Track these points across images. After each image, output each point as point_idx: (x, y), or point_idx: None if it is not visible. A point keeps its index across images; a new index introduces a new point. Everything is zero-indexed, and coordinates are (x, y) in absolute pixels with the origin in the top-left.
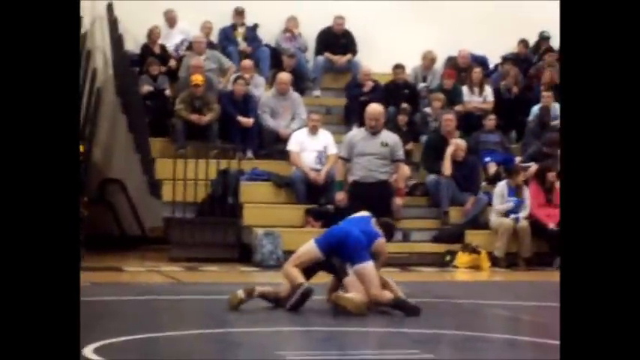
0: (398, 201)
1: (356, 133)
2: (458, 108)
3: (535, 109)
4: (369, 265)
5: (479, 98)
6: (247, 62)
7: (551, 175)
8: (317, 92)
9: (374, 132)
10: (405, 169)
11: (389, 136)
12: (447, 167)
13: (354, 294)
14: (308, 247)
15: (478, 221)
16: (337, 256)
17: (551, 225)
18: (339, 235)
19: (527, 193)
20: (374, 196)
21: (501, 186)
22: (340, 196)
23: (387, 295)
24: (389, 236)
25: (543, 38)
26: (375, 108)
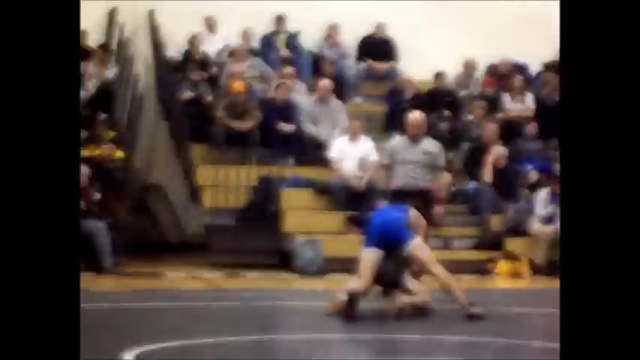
0: (438, 209)
1: (397, 140)
2: (499, 115)
3: None
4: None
5: (520, 106)
6: (288, 69)
7: None
8: (358, 99)
9: (415, 140)
10: (446, 177)
11: (430, 144)
12: (487, 175)
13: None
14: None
15: (519, 229)
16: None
17: None
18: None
19: None
20: (415, 203)
21: (543, 194)
22: (382, 205)
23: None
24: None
25: None
26: (416, 116)
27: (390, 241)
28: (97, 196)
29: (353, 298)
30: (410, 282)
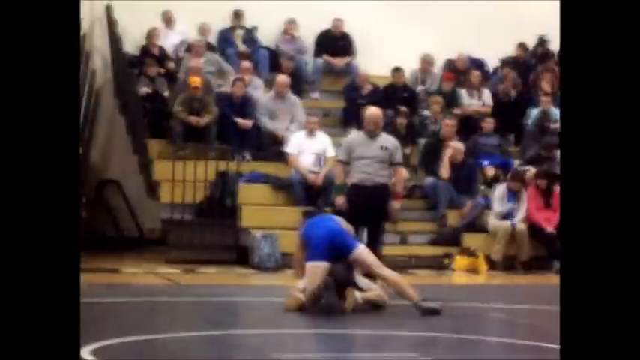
0: (395, 204)
1: (355, 136)
2: (456, 111)
3: (534, 113)
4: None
5: (477, 101)
6: (246, 64)
7: (548, 179)
8: (315, 95)
9: (373, 135)
10: (404, 173)
11: (388, 140)
12: (445, 170)
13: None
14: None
15: (476, 224)
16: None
17: (549, 228)
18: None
19: (525, 196)
20: (372, 199)
21: (500, 189)
22: (340, 200)
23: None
24: None
25: (542, 42)
26: (373, 111)
27: (339, 251)
28: None
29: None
30: (362, 280)
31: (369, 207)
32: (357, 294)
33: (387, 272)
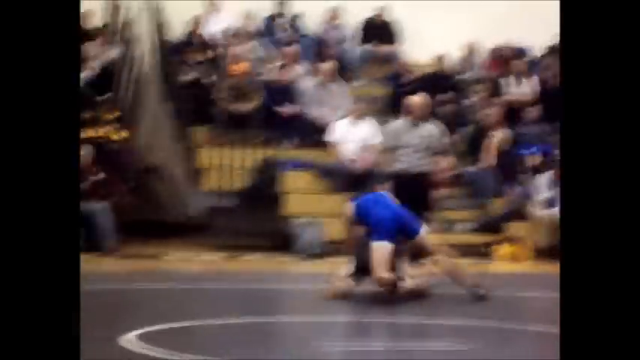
0: (441, 192)
1: (398, 124)
2: (500, 99)
3: None
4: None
5: (521, 89)
6: (291, 49)
7: None
8: (360, 82)
9: (416, 123)
10: (447, 161)
11: (431, 128)
12: (489, 158)
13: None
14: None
15: (519, 212)
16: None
17: None
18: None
19: None
20: (415, 187)
21: (544, 177)
22: (383, 188)
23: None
24: None
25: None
26: (416, 99)
27: (405, 233)
28: (101, 175)
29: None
30: (406, 268)
31: (412, 195)
32: (404, 283)
33: (441, 257)
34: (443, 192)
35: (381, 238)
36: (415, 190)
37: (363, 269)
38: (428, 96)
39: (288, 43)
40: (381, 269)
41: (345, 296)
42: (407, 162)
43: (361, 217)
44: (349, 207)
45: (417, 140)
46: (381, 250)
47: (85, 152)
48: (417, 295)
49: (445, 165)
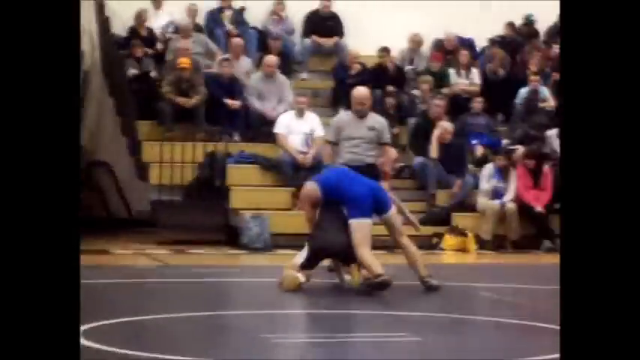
0: (385, 184)
1: (343, 116)
2: (445, 91)
3: (523, 92)
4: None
5: (466, 81)
6: (237, 41)
7: (537, 158)
8: (304, 75)
9: (361, 115)
10: (392, 152)
11: (376, 120)
12: (434, 150)
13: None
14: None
15: (465, 204)
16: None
17: (538, 207)
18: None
19: (514, 175)
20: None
21: (488, 168)
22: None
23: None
24: None
25: (528, 22)
26: (361, 91)
27: (379, 208)
28: None
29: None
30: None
31: None
32: (363, 271)
33: (406, 241)
34: (389, 183)
35: (362, 215)
36: None
37: (316, 257)
38: (369, 89)
39: (233, 36)
40: (364, 248)
41: (298, 287)
42: (353, 154)
43: (331, 195)
44: (313, 187)
45: (362, 132)
46: (363, 227)
47: None
48: (378, 284)
49: (390, 157)
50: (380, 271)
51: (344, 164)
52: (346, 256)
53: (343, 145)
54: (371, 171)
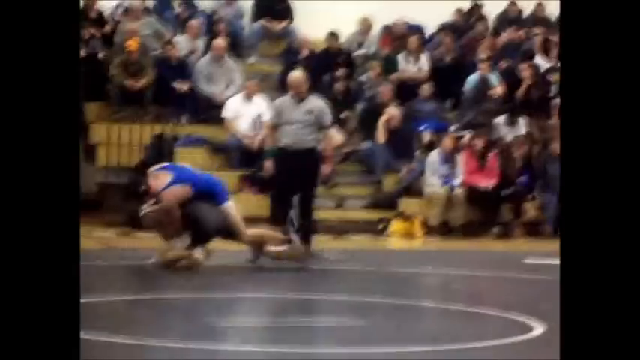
0: (326, 168)
1: (282, 100)
2: (393, 76)
3: (472, 78)
4: None
5: (414, 67)
6: (194, 23)
7: (484, 144)
8: (253, 59)
9: (299, 99)
10: (334, 136)
11: (315, 104)
12: (381, 135)
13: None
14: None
15: (412, 189)
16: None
17: (484, 184)
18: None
19: (460, 161)
20: (301, 164)
21: (435, 154)
22: (267, 165)
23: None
24: None
25: (476, 7)
26: (296, 75)
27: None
28: None
29: None
30: None
31: (298, 172)
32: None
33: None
34: (330, 168)
35: (225, 198)
36: (300, 167)
37: (200, 238)
38: (319, 72)
39: (185, 18)
40: (243, 227)
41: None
42: (292, 138)
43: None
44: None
45: (300, 116)
46: (234, 209)
47: None
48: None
49: (331, 140)
50: None
51: (283, 149)
52: None
53: (282, 129)
54: (311, 155)
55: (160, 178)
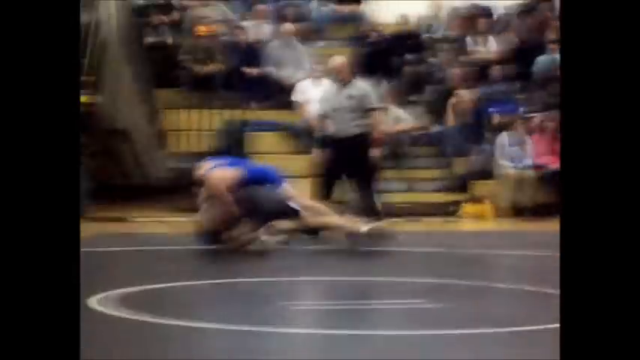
0: (375, 152)
1: (327, 87)
2: (464, 59)
3: (541, 60)
4: None
5: (484, 49)
6: (262, 7)
7: (555, 125)
8: (322, 42)
9: (343, 85)
10: (380, 118)
11: (357, 87)
12: (451, 118)
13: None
14: None
15: (483, 171)
16: None
17: (554, 166)
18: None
19: (531, 143)
20: (349, 150)
21: (506, 136)
22: (315, 153)
23: None
24: None
25: None
26: (336, 60)
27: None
28: None
29: None
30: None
31: (347, 158)
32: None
33: None
34: (379, 151)
35: (279, 182)
36: (349, 154)
37: (258, 220)
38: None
39: (254, 3)
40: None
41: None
42: (337, 124)
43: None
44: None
45: (342, 102)
46: (290, 189)
47: None
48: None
49: (377, 123)
50: None
51: (331, 136)
52: None
53: (331, 117)
54: (358, 141)
55: (204, 164)
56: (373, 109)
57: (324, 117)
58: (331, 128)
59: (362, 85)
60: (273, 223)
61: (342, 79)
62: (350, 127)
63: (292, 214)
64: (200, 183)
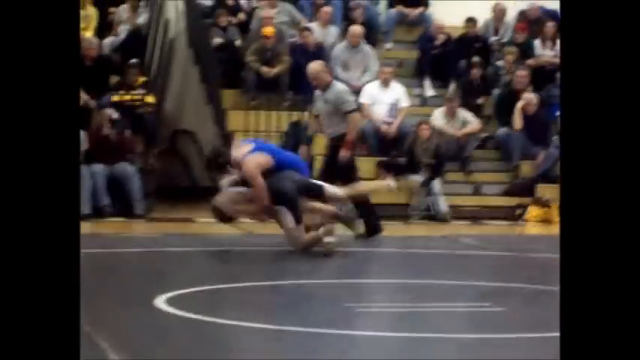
0: (343, 153)
1: (316, 93)
2: (530, 62)
3: None
4: None
5: (551, 52)
6: (326, 10)
7: None
8: (389, 45)
9: (322, 89)
10: (355, 119)
11: (333, 91)
12: (517, 121)
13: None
14: None
15: (549, 175)
16: None
17: None
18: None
19: None
20: (332, 152)
21: None
22: (302, 151)
23: None
24: None
25: None
26: (311, 67)
27: None
28: (140, 148)
29: None
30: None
31: (332, 160)
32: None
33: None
34: (348, 153)
35: (306, 173)
36: (329, 155)
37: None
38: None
39: (320, 5)
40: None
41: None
42: (325, 127)
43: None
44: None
45: (321, 106)
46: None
47: (108, 114)
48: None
49: (352, 125)
50: None
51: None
52: None
53: (322, 119)
54: (333, 144)
55: (241, 147)
56: (350, 111)
57: (319, 118)
58: (324, 129)
59: (338, 89)
60: (324, 221)
61: (317, 85)
62: (330, 129)
63: (316, 189)
64: (236, 165)
